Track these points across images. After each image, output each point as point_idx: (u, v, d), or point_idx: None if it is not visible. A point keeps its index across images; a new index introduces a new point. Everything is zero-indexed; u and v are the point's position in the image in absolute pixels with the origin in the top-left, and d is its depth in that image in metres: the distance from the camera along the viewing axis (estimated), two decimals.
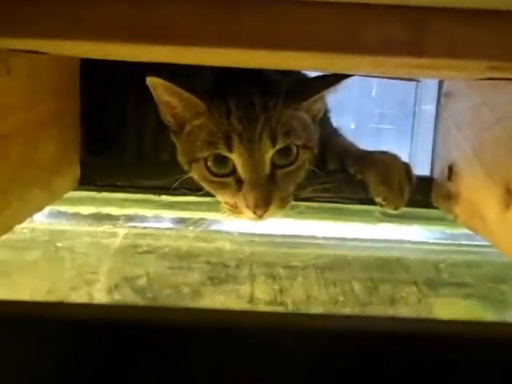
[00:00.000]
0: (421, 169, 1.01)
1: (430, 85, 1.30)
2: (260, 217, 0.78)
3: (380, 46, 0.43)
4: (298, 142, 0.80)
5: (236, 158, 0.77)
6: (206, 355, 0.42)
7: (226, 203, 0.81)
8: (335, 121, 1.03)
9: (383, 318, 0.71)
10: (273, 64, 0.53)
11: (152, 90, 0.78)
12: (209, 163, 0.79)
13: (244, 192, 0.78)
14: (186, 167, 0.84)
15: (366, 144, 1.01)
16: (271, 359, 0.42)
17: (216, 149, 0.78)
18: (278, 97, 0.78)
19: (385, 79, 0.92)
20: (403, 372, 0.42)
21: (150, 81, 0.76)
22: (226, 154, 0.77)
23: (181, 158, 0.85)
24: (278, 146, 0.78)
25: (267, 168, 0.78)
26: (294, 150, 0.80)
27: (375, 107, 1.96)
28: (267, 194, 0.77)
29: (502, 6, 0.41)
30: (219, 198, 0.82)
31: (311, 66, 0.60)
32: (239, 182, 0.78)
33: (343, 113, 1.84)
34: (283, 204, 0.80)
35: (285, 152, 0.79)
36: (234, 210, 0.80)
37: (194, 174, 0.82)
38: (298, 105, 0.81)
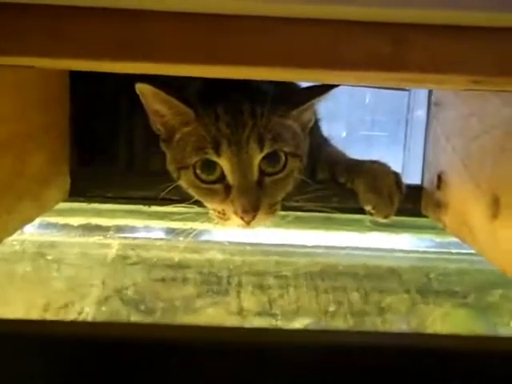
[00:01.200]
0: (414, 176, 1.02)
1: (423, 91, 1.31)
2: (248, 223, 0.78)
3: (361, 62, 0.43)
4: (287, 149, 0.80)
5: (224, 163, 0.78)
6: (196, 372, 0.42)
7: (214, 210, 0.81)
8: (329, 128, 1.03)
9: (370, 332, 0.71)
10: (257, 76, 0.53)
11: (141, 98, 0.79)
12: (197, 170, 0.80)
13: (232, 198, 0.78)
14: (175, 175, 0.84)
15: (359, 151, 1.01)
16: (262, 375, 0.42)
17: (205, 154, 0.78)
18: (266, 104, 0.79)
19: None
20: None
21: (140, 88, 0.77)
22: (215, 158, 0.78)
23: (170, 166, 0.85)
24: (265, 151, 0.78)
25: (255, 173, 0.78)
26: (283, 157, 0.80)
27: (369, 114, 1.97)
28: (255, 200, 0.77)
29: (482, 22, 0.42)
30: (207, 205, 0.82)
31: (295, 78, 0.61)
32: (227, 189, 0.79)
33: (336, 120, 1.85)
34: (271, 211, 0.80)
35: (273, 159, 0.80)
36: (222, 216, 0.80)
37: (183, 182, 0.83)
38: (286, 113, 0.81)
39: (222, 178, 0.79)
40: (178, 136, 0.82)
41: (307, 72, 0.46)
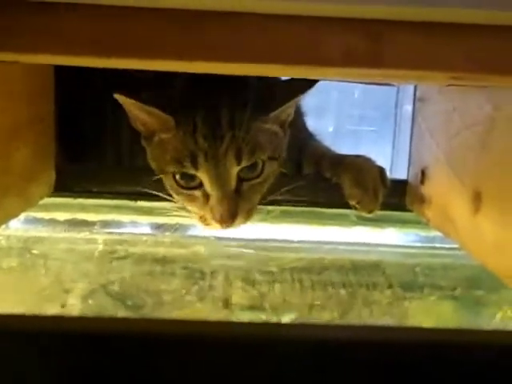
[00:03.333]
0: (402, 170, 1.02)
1: (411, 86, 1.31)
2: (226, 228, 0.80)
3: (340, 58, 0.44)
4: (264, 157, 0.81)
5: (202, 176, 0.78)
6: (186, 366, 0.42)
7: (195, 214, 0.82)
8: (317, 122, 1.04)
9: (356, 326, 0.71)
10: (235, 72, 0.54)
11: (122, 104, 0.79)
12: (177, 176, 0.80)
13: (210, 206, 0.79)
14: (157, 172, 0.85)
15: (347, 146, 1.01)
16: (250, 370, 0.42)
17: (182, 167, 0.79)
18: (246, 110, 0.78)
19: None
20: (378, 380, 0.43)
21: (118, 98, 0.77)
22: (192, 171, 0.78)
23: (151, 163, 0.86)
24: (243, 164, 0.78)
25: (233, 183, 0.79)
26: (260, 164, 0.81)
27: (357, 109, 1.97)
28: (233, 208, 0.78)
29: (459, 18, 0.42)
30: (189, 208, 0.83)
31: (274, 74, 0.61)
32: (207, 195, 0.79)
33: (324, 115, 1.85)
34: (248, 215, 0.82)
35: (251, 167, 0.80)
36: (203, 221, 0.82)
37: (165, 183, 0.83)
38: (265, 116, 0.81)
39: (201, 185, 0.80)
40: (157, 139, 0.83)
41: (286, 68, 0.46)
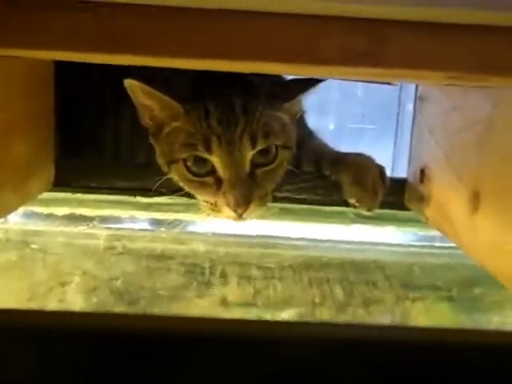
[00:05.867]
0: (404, 169, 1.02)
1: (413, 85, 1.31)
2: (240, 215, 0.79)
3: (339, 57, 0.44)
4: (278, 142, 0.81)
5: (215, 160, 0.78)
6: (187, 363, 0.42)
7: (206, 202, 0.81)
8: (319, 120, 1.03)
9: (355, 325, 0.71)
10: (235, 69, 0.54)
11: (130, 93, 0.78)
12: (188, 163, 0.80)
13: (224, 191, 0.78)
14: (165, 169, 0.84)
15: (348, 144, 1.01)
16: (250, 367, 0.42)
17: (195, 150, 0.78)
18: (259, 98, 0.78)
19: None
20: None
21: (128, 84, 0.76)
22: (206, 155, 0.78)
23: (159, 160, 0.85)
24: (257, 148, 0.78)
25: (247, 168, 0.78)
26: (273, 149, 0.81)
27: (360, 107, 1.96)
28: (247, 193, 0.77)
29: (457, 19, 0.42)
30: (199, 197, 0.82)
31: (274, 71, 0.61)
32: (219, 182, 0.79)
33: (327, 113, 1.85)
34: (262, 202, 0.81)
35: (264, 151, 0.80)
36: (214, 208, 0.81)
37: (174, 175, 0.83)
38: (278, 106, 0.81)
39: (214, 171, 0.79)
40: (166, 130, 0.82)
41: (285, 66, 0.46)
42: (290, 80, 0.89)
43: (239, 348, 0.41)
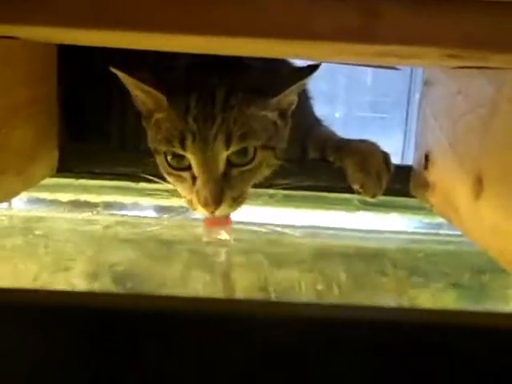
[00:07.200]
0: None
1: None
2: (212, 213, 0.79)
3: (332, 33, 0.43)
4: (257, 143, 0.79)
5: (190, 157, 0.78)
6: (188, 343, 0.42)
7: (184, 197, 0.82)
8: (329, 108, 1.02)
9: (355, 306, 0.71)
10: (227, 48, 0.53)
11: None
12: (168, 156, 0.80)
13: (196, 189, 0.78)
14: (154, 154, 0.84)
15: (357, 133, 1.00)
16: (254, 348, 0.42)
17: (172, 146, 0.78)
18: (243, 94, 0.78)
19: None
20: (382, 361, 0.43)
21: (113, 71, 0.77)
22: (181, 152, 0.78)
23: (150, 145, 0.85)
24: (232, 149, 0.77)
25: (221, 167, 0.78)
26: (251, 150, 0.79)
27: (369, 96, 1.96)
28: (218, 193, 0.77)
29: None
30: (178, 190, 0.83)
31: (266, 49, 0.60)
32: (194, 178, 0.79)
33: (335, 100, 1.84)
34: (235, 203, 0.80)
35: (241, 152, 0.79)
36: (191, 204, 0.81)
37: (158, 164, 0.83)
38: (264, 103, 0.80)
39: (190, 167, 0.79)
40: (153, 119, 0.82)
41: (276, 43, 0.46)
42: (287, 67, 0.88)
43: (226, 326, 0.41)
